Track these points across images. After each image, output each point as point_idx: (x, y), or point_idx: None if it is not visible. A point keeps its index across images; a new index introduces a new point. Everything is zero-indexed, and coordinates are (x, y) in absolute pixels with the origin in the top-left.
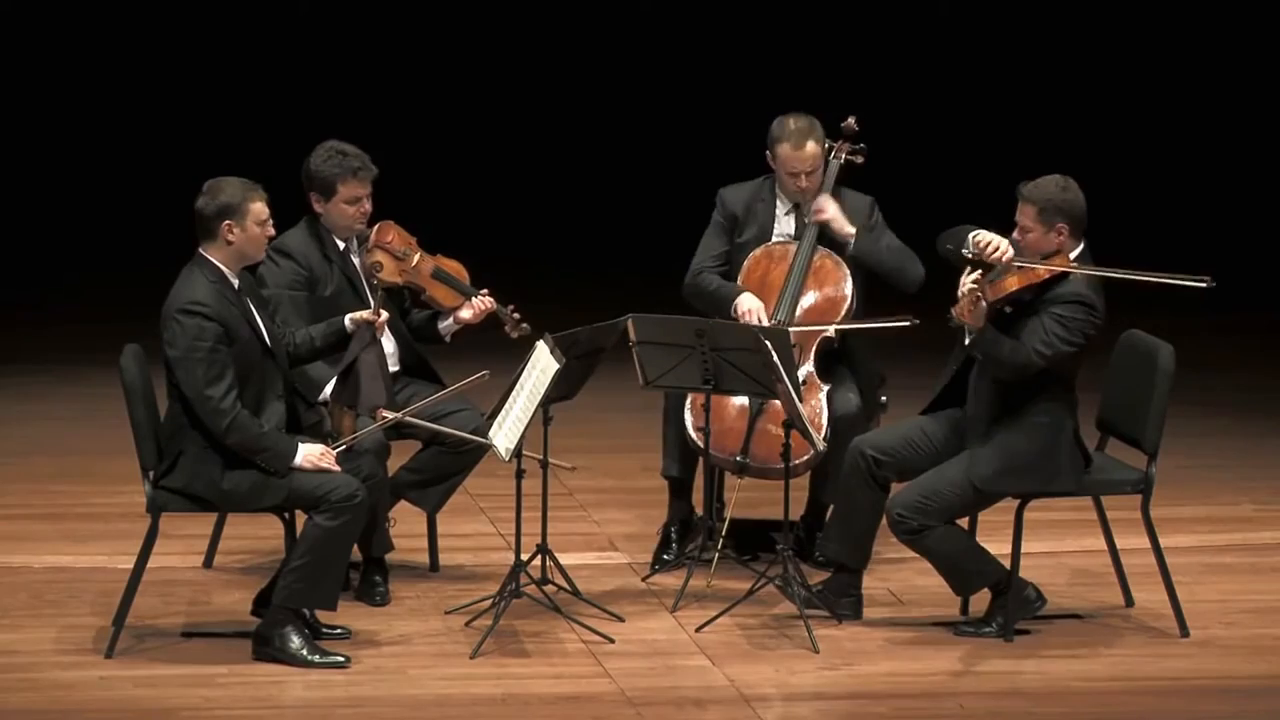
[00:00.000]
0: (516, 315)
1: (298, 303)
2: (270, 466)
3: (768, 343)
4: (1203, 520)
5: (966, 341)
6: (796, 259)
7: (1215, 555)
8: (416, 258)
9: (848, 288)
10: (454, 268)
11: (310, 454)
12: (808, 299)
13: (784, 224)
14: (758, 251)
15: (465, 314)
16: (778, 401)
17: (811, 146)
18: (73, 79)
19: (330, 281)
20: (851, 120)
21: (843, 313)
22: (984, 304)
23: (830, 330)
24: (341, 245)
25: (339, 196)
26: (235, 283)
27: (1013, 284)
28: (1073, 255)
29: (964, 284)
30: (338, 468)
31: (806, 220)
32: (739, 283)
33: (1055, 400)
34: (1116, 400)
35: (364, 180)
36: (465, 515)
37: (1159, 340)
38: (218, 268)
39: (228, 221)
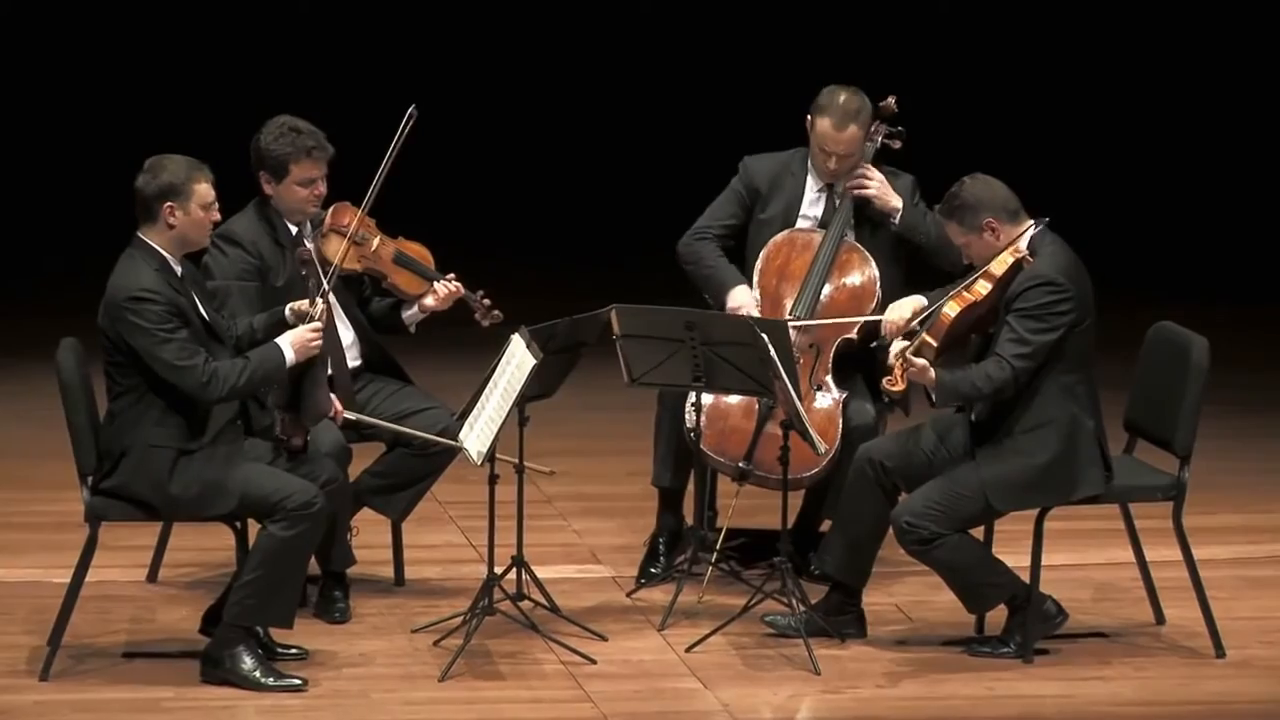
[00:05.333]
0: (487, 301)
1: (248, 294)
2: (277, 384)
3: (764, 336)
4: (1239, 530)
5: (931, 401)
6: (822, 249)
7: (1254, 568)
8: (376, 241)
9: (875, 284)
10: (417, 251)
11: (296, 339)
12: (830, 294)
13: (813, 206)
14: (780, 237)
15: (430, 301)
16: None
17: (853, 130)
18: (30, 73)
19: (283, 271)
20: (891, 100)
21: (868, 310)
22: (922, 362)
23: (854, 332)
24: (294, 230)
25: (291, 178)
26: (178, 270)
27: (951, 312)
28: (1024, 240)
29: (891, 355)
30: (319, 339)
31: (838, 199)
32: (757, 269)
33: (1066, 395)
34: (1146, 399)
35: (319, 160)
36: (433, 524)
37: (1192, 333)
38: (159, 253)
39: (169, 203)
